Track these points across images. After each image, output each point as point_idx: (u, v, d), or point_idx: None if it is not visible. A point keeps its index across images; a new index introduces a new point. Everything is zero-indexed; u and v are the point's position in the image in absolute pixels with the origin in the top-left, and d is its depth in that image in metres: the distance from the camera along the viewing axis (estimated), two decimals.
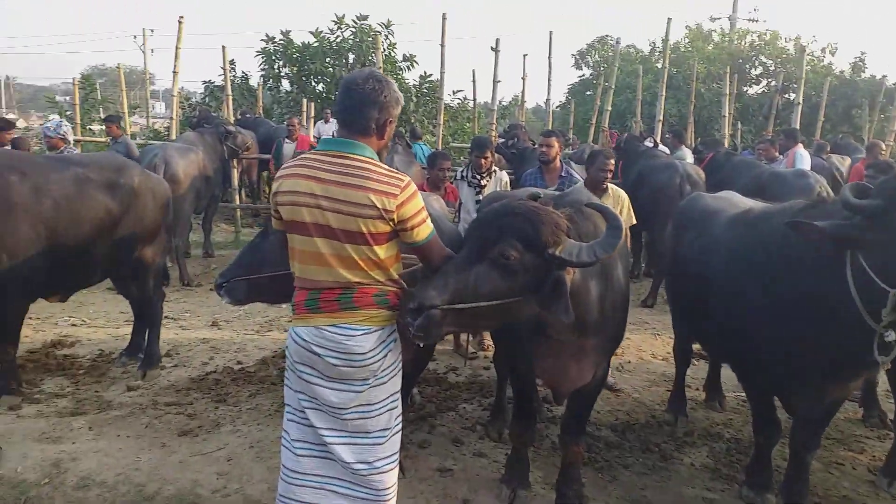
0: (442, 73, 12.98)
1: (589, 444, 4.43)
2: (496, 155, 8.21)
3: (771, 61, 24.28)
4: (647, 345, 6.88)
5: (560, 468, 3.86)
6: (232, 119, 12.66)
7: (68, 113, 15.50)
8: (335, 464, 2.77)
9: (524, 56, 16.99)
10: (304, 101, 14.27)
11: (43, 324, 6.79)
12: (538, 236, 2.67)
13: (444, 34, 12.19)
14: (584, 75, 27.47)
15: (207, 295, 8.09)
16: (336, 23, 17.20)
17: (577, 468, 3.83)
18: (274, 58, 17.67)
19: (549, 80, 17.06)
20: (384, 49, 15.96)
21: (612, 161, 5.80)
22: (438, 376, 5.75)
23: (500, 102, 18.39)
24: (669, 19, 15.03)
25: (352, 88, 2.71)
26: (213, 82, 17.86)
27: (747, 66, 24.53)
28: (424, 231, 2.73)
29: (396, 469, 2.87)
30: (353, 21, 17.09)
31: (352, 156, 2.66)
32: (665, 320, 6.75)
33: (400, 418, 2.91)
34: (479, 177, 6.50)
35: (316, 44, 17.27)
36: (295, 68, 17.54)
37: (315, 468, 2.79)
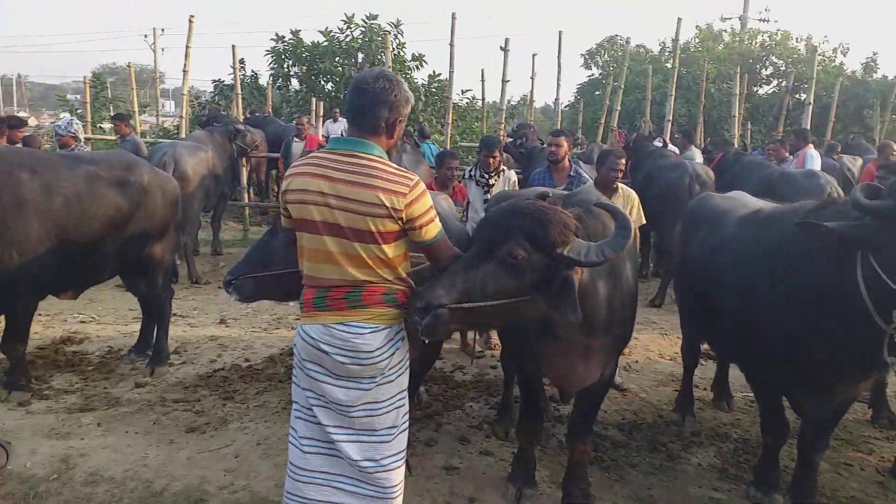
0: (451, 72, 12.98)
1: (596, 443, 4.43)
2: (504, 154, 8.20)
3: (782, 61, 24.15)
4: (655, 344, 6.86)
5: (567, 467, 3.85)
6: (241, 118, 12.71)
7: (79, 111, 15.61)
8: (342, 461, 2.78)
9: (533, 56, 17.04)
10: (314, 100, 14.29)
11: (52, 320, 6.83)
12: (546, 236, 2.67)
13: (454, 34, 12.20)
14: (593, 75, 27.42)
15: (216, 292, 8.12)
16: (346, 22, 17.24)
17: (584, 467, 3.82)
18: (284, 57, 17.72)
19: (558, 79, 17.10)
20: (393, 48, 15.98)
21: (623, 161, 5.80)
22: (445, 375, 5.76)
23: (509, 102, 18.40)
24: (680, 19, 15.02)
25: (362, 87, 2.71)
26: (223, 81, 17.95)
27: (758, 66, 24.43)
28: (433, 230, 2.73)
29: (403, 467, 2.87)
30: (363, 20, 17.13)
31: (361, 155, 2.66)
32: (673, 320, 6.74)
33: (407, 416, 2.91)
34: (487, 176, 6.49)
35: (325, 43, 17.30)
36: (304, 67, 17.58)
37: (322, 465, 2.79)
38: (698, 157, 10.54)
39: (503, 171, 6.63)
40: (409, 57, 17.41)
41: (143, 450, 4.24)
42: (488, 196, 6.31)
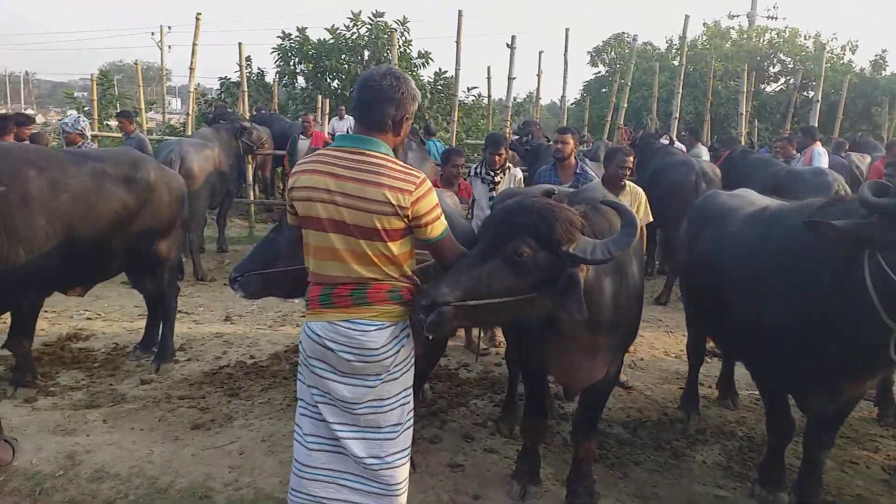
0: (457, 69, 12.96)
1: (600, 441, 4.42)
2: (510, 152, 8.19)
3: (790, 59, 24.07)
4: (661, 342, 6.85)
5: (571, 465, 3.85)
6: (247, 115, 12.71)
7: (86, 108, 15.66)
8: (347, 458, 2.78)
9: (540, 53, 17.00)
10: (319, 97, 14.30)
11: (59, 317, 6.85)
12: (552, 233, 2.66)
13: (460, 31, 12.16)
14: (599, 72, 27.37)
15: (221, 290, 8.13)
16: (352, 20, 17.25)
17: (589, 465, 3.82)
18: (290, 54, 17.75)
19: (564, 77, 17.06)
20: (399, 46, 15.97)
21: (632, 158, 5.80)
22: (450, 372, 5.76)
23: (515, 99, 18.42)
24: (687, 16, 14.92)
25: (369, 85, 2.70)
26: (229, 78, 17.98)
27: (765, 63, 24.35)
28: (438, 228, 2.73)
29: (408, 464, 2.87)
30: (369, 18, 17.13)
31: (368, 152, 2.66)
32: (678, 318, 6.73)
33: (412, 413, 2.91)
34: (492, 173, 6.48)
35: (332, 41, 17.31)
36: (310, 65, 17.60)
37: (327, 462, 2.80)
38: (705, 154, 10.52)
39: (509, 168, 6.62)
40: (415, 54, 17.41)
41: (149, 446, 4.25)
42: (494, 194, 6.29)
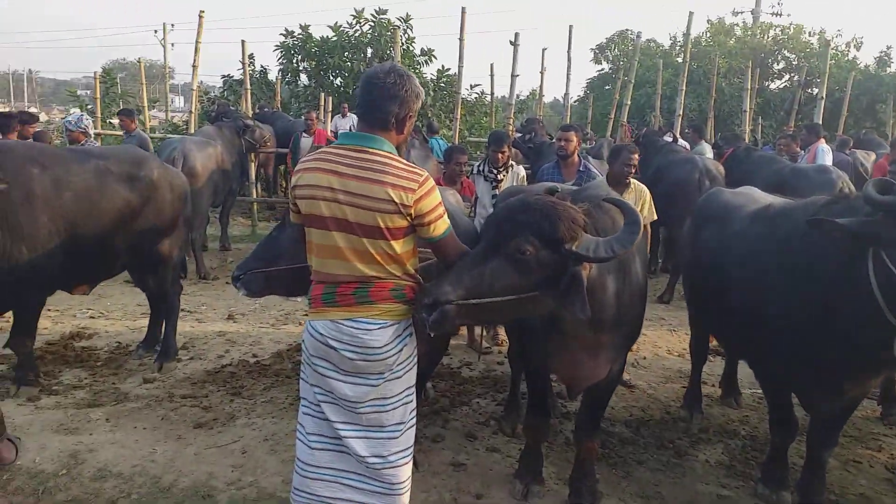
0: (460, 67, 12.93)
1: (603, 440, 4.41)
2: (513, 149, 8.17)
3: (794, 55, 23.94)
4: (663, 341, 6.84)
5: (574, 464, 3.85)
6: (250, 113, 12.71)
7: (89, 107, 15.68)
8: (350, 457, 2.78)
9: (543, 50, 16.99)
10: (322, 95, 14.28)
11: (62, 316, 6.85)
12: (555, 231, 2.65)
13: (464, 28, 12.14)
14: (603, 70, 27.25)
15: (224, 288, 8.14)
16: (355, 17, 17.23)
17: (591, 464, 3.81)
18: (293, 52, 17.72)
19: (567, 74, 17.03)
20: (403, 43, 15.95)
21: (637, 156, 5.78)
22: (452, 371, 5.75)
23: (518, 97, 18.38)
24: (691, 13, 14.90)
25: (373, 82, 2.70)
26: (232, 76, 17.97)
27: (769, 60, 24.24)
28: (441, 227, 2.72)
29: (410, 463, 2.87)
30: (372, 15, 17.11)
31: (371, 150, 2.66)
32: (681, 316, 6.70)
33: (414, 413, 2.91)
34: (495, 171, 6.47)
35: (335, 38, 17.28)
36: (313, 63, 17.58)
37: (330, 462, 2.79)
38: (709, 152, 10.49)
39: (512, 166, 6.61)
40: (418, 52, 17.39)
41: (151, 445, 4.25)
42: (497, 191, 6.29)
